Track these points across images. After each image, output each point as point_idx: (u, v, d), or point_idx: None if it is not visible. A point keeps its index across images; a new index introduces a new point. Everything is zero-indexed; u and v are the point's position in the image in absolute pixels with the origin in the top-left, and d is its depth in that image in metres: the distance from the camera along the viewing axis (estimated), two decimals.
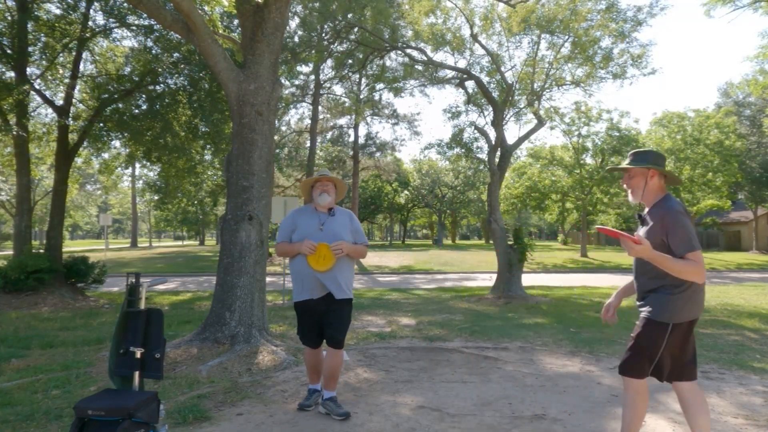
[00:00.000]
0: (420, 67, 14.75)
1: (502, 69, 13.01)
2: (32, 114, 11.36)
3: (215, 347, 5.44)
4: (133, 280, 2.55)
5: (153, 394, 2.42)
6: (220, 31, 9.88)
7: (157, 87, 12.61)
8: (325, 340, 3.70)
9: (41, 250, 11.11)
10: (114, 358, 2.47)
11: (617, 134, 28.84)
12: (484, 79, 12.80)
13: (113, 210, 73.46)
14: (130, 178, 44.29)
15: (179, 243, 68.14)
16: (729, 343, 5.97)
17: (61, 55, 11.40)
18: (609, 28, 11.29)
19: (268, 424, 3.48)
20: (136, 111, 12.54)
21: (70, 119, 11.48)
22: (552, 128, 26.55)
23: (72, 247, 43.08)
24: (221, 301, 5.74)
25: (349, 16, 15.73)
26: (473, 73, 12.42)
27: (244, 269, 5.74)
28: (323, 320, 3.64)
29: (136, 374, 2.46)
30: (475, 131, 14.01)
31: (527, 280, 13.99)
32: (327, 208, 3.75)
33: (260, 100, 5.95)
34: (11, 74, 10.82)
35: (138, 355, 2.45)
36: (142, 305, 2.56)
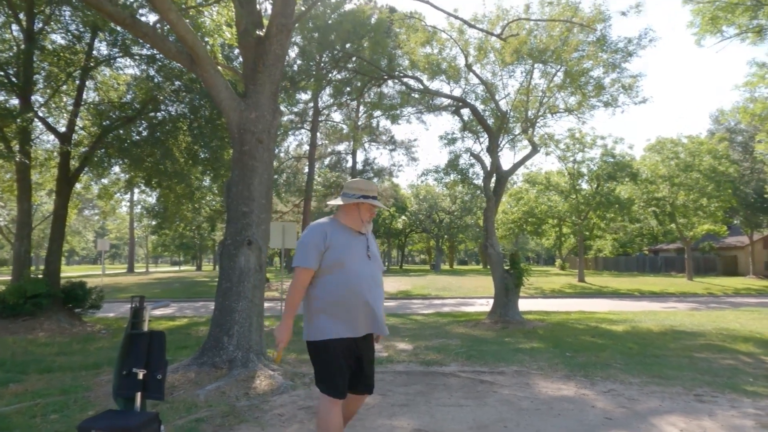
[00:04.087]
0: (417, 95, 15.07)
1: (497, 97, 13.30)
2: (35, 141, 11.54)
3: (213, 372, 5.46)
4: (137, 303, 2.64)
5: (154, 414, 2.48)
6: (221, 62, 10.12)
7: (158, 114, 12.85)
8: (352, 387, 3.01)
9: (39, 275, 11.13)
10: (117, 380, 2.54)
11: (612, 160, 29.21)
12: (479, 106, 13.08)
13: (110, 235, 73.29)
14: (128, 204, 44.38)
15: (176, 268, 67.91)
16: (723, 367, 6.02)
17: (64, 83, 11.65)
18: (600, 59, 11.62)
19: None
20: (137, 138, 12.74)
21: (72, 146, 11.65)
22: (547, 154, 26.88)
23: (68, 272, 42.86)
24: (220, 325, 5.78)
25: (348, 45, 16.16)
26: (468, 101, 12.70)
27: (242, 294, 5.81)
28: (359, 363, 2.97)
29: (138, 395, 2.53)
30: (471, 157, 14.23)
31: (525, 305, 14.00)
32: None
33: (261, 128, 6.12)
34: (15, 101, 11.05)
35: (140, 376, 2.52)
36: (146, 327, 2.64)
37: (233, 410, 4.36)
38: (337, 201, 3.03)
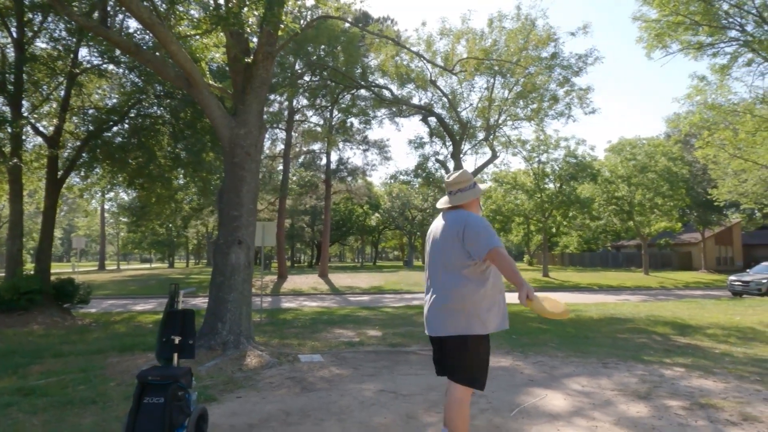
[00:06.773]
0: (387, 102, 16.11)
1: (463, 105, 14.47)
2: (27, 147, 12.11)
3: (209, 353, 6.40)
4: (174, 289, 3.60)
5: (188, 368, 3.43)
6: (210, 80, 10.94)
7: (140, 118, 13.53)
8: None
9: (31, 272, 11.75)
10: (159, 345, 3.49)
11: (574, 161, 30.86)
12: (444, 115, 14.21)
13: (79, 232, 72.26)
14: (100, 200, 44.10)
15: (146, 266, 67.47)
16: (636, 344, 7.26)
17: (53, 90, 12.24)
18: (549, 77, 12.88)
19: (262, 403, 4.51)
20: (121, 140, 13.41)
21: (59, 149, 12.27)
22: (514, 155, 28.32)
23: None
24: (214, 313, 6.71)
25: (322, 51, 17.03)
26: (434, 110, 13.81)
27: (234, 286, 6.75)
28: None
29: (175, 356, 3.48)
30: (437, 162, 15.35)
31: None
32: None
33: (249, 143, 7.06)
34: (3, 107, 11.61)
35: (177, 341, 3.47)
36: (180, 306, 3.60)
37: (232, 380, 5.32)
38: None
